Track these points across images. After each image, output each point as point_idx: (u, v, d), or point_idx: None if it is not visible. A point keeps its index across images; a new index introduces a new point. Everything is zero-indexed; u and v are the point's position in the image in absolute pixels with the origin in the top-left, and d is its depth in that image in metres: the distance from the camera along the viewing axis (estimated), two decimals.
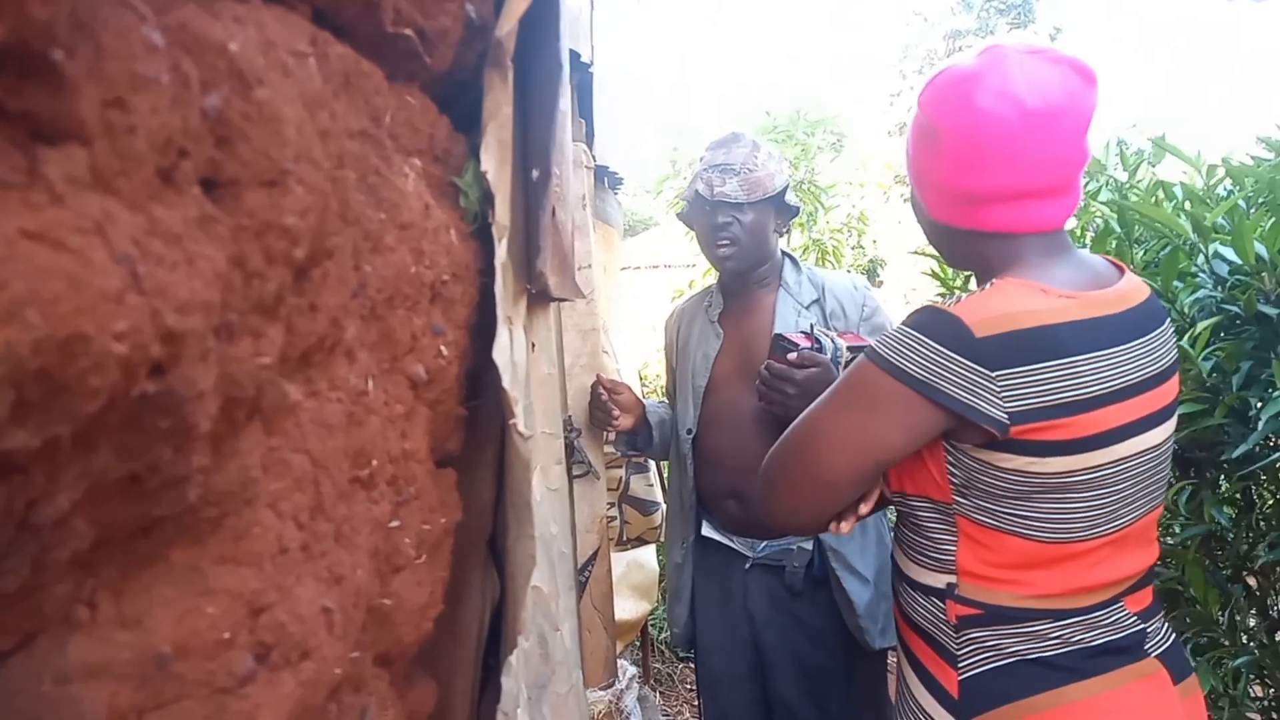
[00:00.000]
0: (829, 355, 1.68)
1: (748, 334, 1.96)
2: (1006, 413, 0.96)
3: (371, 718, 0.64)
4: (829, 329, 1.82)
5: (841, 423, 1.06)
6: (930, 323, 1.00)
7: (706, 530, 1.99)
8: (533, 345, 1.20)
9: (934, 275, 2.53)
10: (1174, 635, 1.13)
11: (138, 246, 0.36)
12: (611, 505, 2.94)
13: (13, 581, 0.37)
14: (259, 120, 0.45)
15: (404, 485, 0.68)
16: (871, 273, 8.02)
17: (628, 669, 3.32)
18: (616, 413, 1.90)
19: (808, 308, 1.95)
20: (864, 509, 1.13)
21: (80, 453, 0.36)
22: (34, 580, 0.38)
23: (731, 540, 1.95)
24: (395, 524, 0.67)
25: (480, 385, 0.94)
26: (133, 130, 0.36)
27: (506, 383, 0.80)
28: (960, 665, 1.06)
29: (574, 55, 2.32)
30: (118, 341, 0.34)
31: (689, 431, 1.94)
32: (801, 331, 1.73)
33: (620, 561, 3.17)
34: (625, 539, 3.05)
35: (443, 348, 0.74)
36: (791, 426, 1.13)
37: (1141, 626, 1.08)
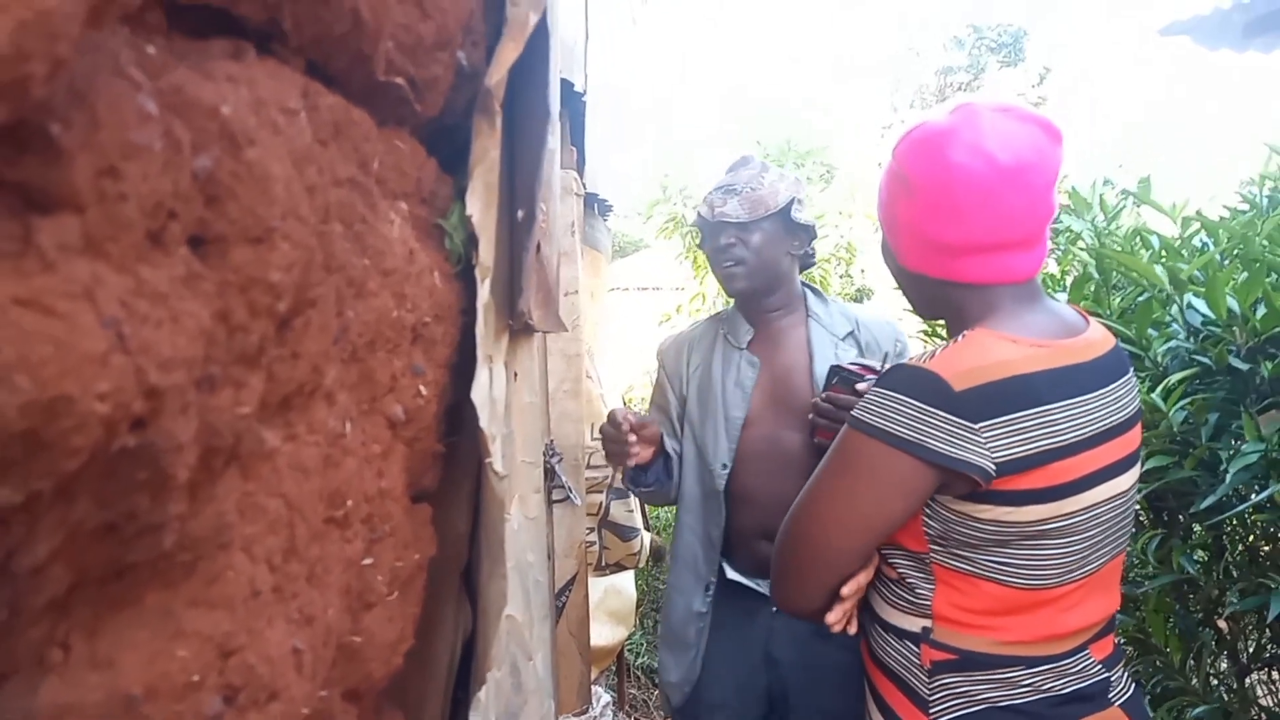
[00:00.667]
0: None
1: (782, 366, 1.88)
2: (994, 463, 0.98)
3: None
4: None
5: (838, 500, 1.07)
6: (908, 381, 1.01)
7: (730, 574, 1.87)
8: (515, 374, 1.21)
9: (911, 311, 2.56)
10: (1134, 684, 1.15)
11: (124, 307, 0.37)
12: (591, 530, 2.95)
13: None
14: (248, 179, 0.46)
15: (379, 523, 0.69)
16: (859, 301, 8.10)
17: (602, 696, 3.31)
18: (636, 447, 1.74)
19: (843, 339, 1.89)
20: (846, 590, 1.13)
21: (59, 503, 0.38)
22: (9, 624, 0.39)
23: (757, 584, 1.84)
24: (368, 561, 0.68)
25: (459, 419, 0.96)
26: (124, 197, 0.37)
27: (484, 422, 0.81)
28: (932, 711, 1.07)
29: (567, 85, 2.36)
30: (101, 401, 0.35)
31: (724, 466, 1.84)
32: (855, 363, 1.68)
33: (598, 587, 3.18)
34: (604, 564, 3.06)
35: (422, 387, 0.75)
36: (790, 511, 1.13)
37: (1106, 675, 1.10)
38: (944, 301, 1.14)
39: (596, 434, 2.96)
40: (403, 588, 0.74)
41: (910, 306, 1.28)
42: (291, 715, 0.53)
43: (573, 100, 2.50)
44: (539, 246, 1.03)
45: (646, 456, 1.81)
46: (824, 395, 1.65)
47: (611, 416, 1.74)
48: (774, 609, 1.80)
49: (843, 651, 1.73)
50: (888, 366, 1.16)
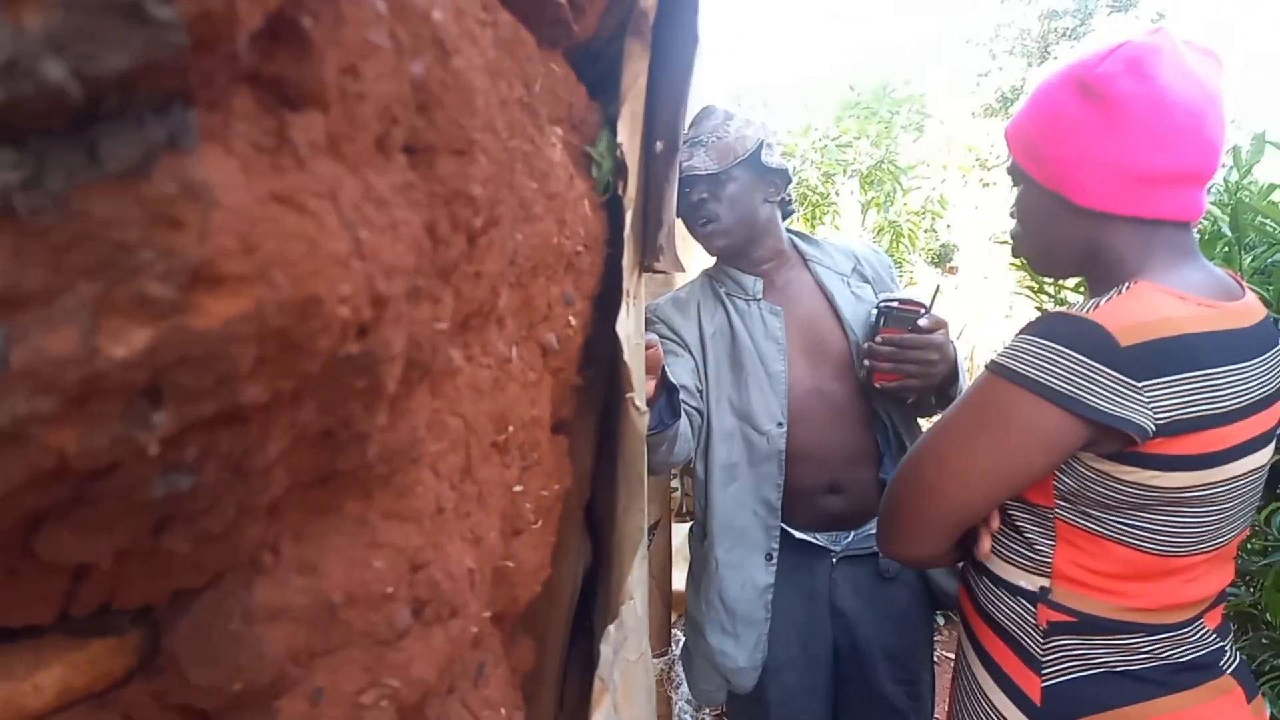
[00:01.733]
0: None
1: (804, 314, 1.78)
2: (1155, 423, 0.93)
3: (487, 673, 0.66)
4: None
5: (974, 450, 1.01)
6: (1068, 332, 0.96)
7: (792, 533, 1.79)
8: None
9: (1018, 266, 2.45)
10: (1240, 655, 1.11)
11: (358, 212, 0.37)
12: (674, 476, 2.96)
13: (219, 524, 0.39)
14: (455, 89, 0.45)
15: (529, 451, 0.69)
16: (944, 257, 7.86)
17: (681, 639, 3.37)
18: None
19: (850, 275, 1.82)
20: (995, 523, 1.10)
21: (293, 406, 0.38)
22: (234, 522, 0.40)
23: (816, 537, 1.78)
24: (519, 488, 0.68)
25: (590, 354, 0.95)
26: (362, 97, 0.37)
27: (626, 356, 0.80)
28: (1045, 672, 1.04)
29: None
30: (343, 304, 0.35)
31: (780, 425, 1.74)
32: (898, 299, 1.61)
33: (678, 533, 3.21)
34: (685, 510, 3.08)
35: (571, 318, 0.74)
36: (909, 459, 1.08)
37: (1220, 644, 1.06)
38: (1099, 249, 1.07)
39: None
40: (545, 516, 0.75)
41: (1042, 262, 1.19)
42: (466, 632, 0.54)
43: None
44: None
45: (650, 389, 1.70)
46: (879, 338, 1.58)
47: None
48: (834, 560, 1.76)
49: (904, 590, 1.74)
50: (1044, 312, 1.08)
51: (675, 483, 2.91)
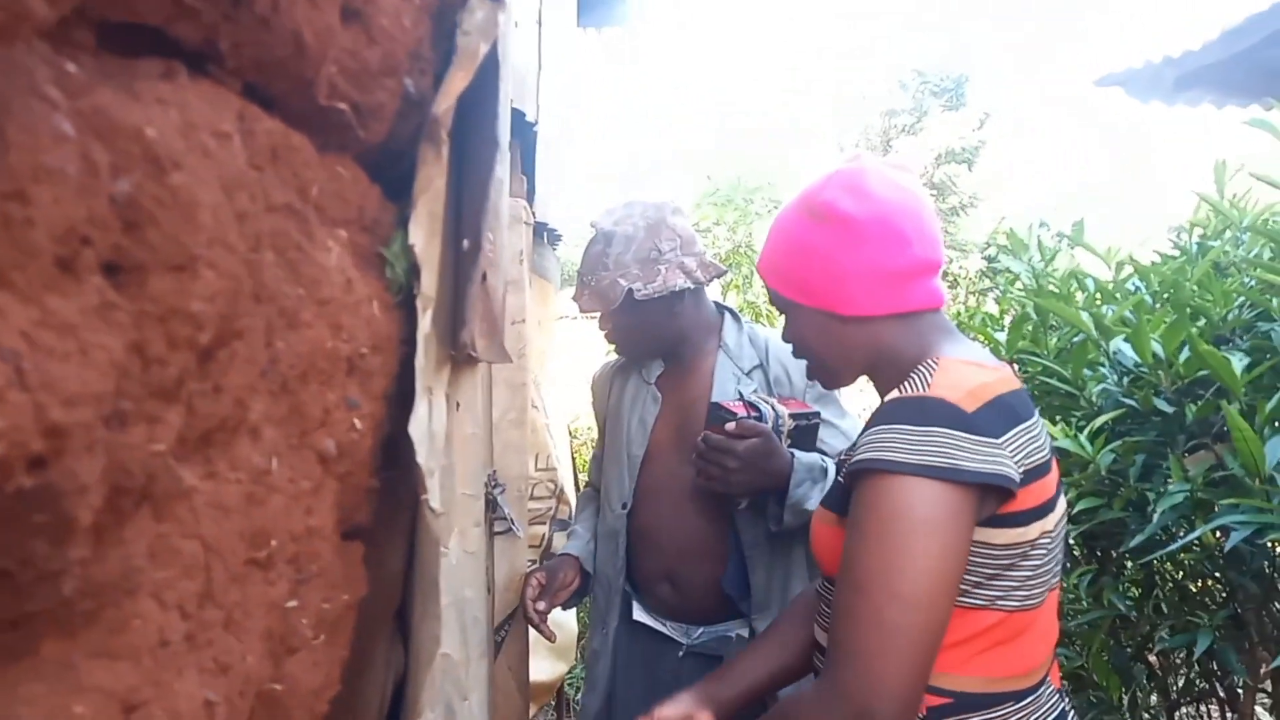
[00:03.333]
0: (769, 424, 1.58)
1: (686, 400, 1.83)
2: (1018, 476, 0.98)
3: None
4: (771, 396, 1.73)
5: (906, 560, 0.93)
6: (920, 411, 0.98)
7: (637, 614, 1.83)
8: (457, 405, 1.18)
9: None
10: (1074, 714, 1.17)
11: (26, 340, 0.35)
12: (533, 563, 2.89)
13: None
14: (172, 205, 0.44)
15: (305, 563, 0.66)
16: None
17: None
18: (544, 607, 1.77)
19: (749, 373, 1.82)
20: None
21: None
22: None
23: (664, 625, 1.79)
24: (293, 604, 0.65)
25: (396, 453, 0.93)
26: (31, 223, 0.35)
27: (421, 457, 0.79)
28: None
29: (518, 114, 2.35)
30: None
31: (624, 506, 1.79)
32: (739, 400, 1.64)
33: None
34: None
35: (356, 421, 0.72)
36: (844, 611, 0.97)
37: (1063, 706, 1.12)
38: (876, 350, 1.16)
39: (540, 465, 2.91)
40: (330, 630, 0.71)
41: (830, 374, 1.23)
42: None
43: (524, 129, 2.49)
44: (485, 275, 1.01)
45: (564, 598, 1.81)
46: (702, 435, 1.60)
47: (532, 582, 1.77)
48: (680, 654, 1.75)
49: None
50: (881, 404, 1.11)
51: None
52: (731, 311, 1.94)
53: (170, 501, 0.48)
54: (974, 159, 10.50)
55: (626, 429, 1.84)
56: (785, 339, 1.25)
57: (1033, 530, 1.02)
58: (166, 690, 0.47)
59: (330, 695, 0.73)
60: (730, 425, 1.56)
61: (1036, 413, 1.11)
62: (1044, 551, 1.05)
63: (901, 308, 1.13)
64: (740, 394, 1.72)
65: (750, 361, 1.85)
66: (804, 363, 1.89)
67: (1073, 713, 1.15)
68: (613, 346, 1.86)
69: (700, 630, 1.77)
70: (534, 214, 2.66)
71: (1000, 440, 0.98)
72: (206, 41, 0.56)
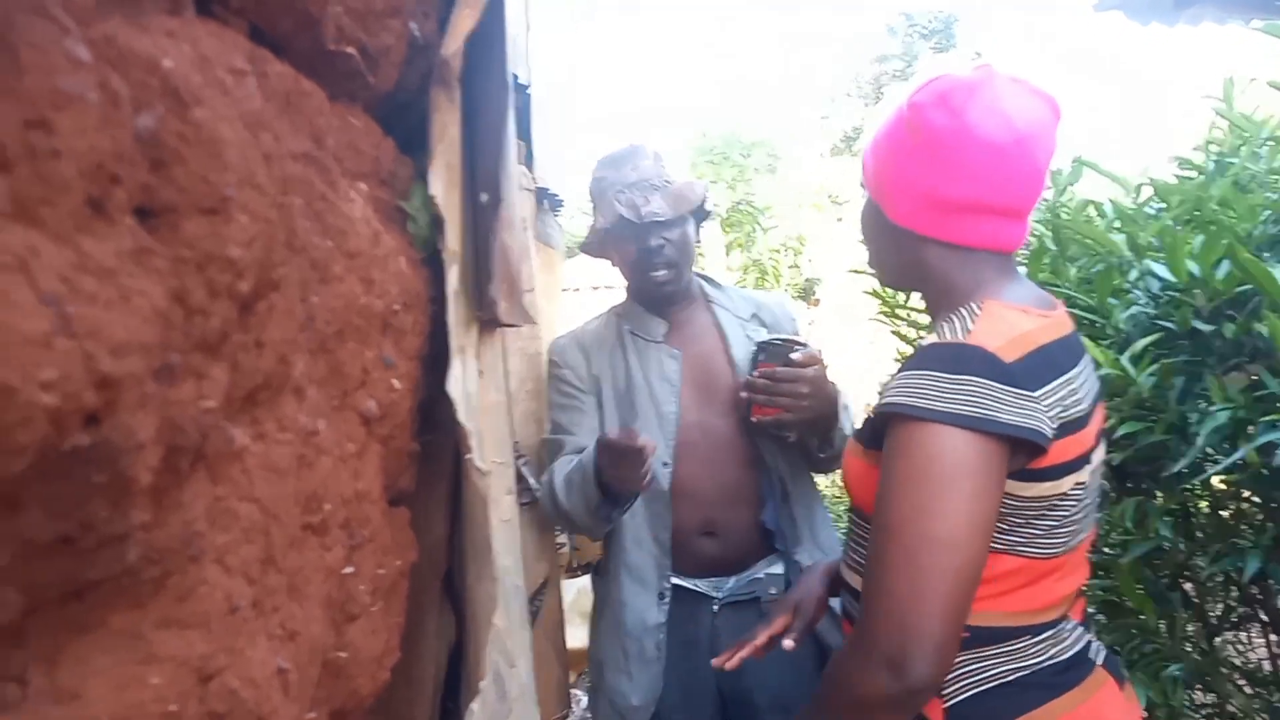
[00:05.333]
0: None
1: (700, 353, 1.82)
2: (1051, 430, 0.95)
3: None
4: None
5: (939, 507, 0.92)
6: (956, 359, 0.96)
7: (673, 579, 1.77)
8: (480, 372, 1.16)
9: (874, 294, 2.56)
10: (1101, 644, 1.15)
11: (66, 284, 0.32)
12: (561, 531, 2.88)
13: None
14: (197, 142, 0.41)
15: (357, 528, 0.64)
16: (808, 290, 8.15)
17: (581, 699, 3.26)
18: (650, 472, 1.50)
19: (748, 320, 1.86)
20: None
21: (6, 513, 0.32)
22: None
23: (696, 583, 1.76)
24: (349, 570, 0.63)
25: (431, 418, 0.90)
26: (57, 154, 0.32)
27: (462, 416, 0.76)
28: (945, 692, 1.04)
29: (513, 77, 2.30)
30: (46, 391, 0.30)
31: (665, 464, 1.73)
32: (778, 338, 1.66)
33: (570, 588, 3.11)
34: (575, 565, 3.00)
35: (394, 381, 0.70)
36: (879, 556, 0.96)
37: (1086, 637, 1.10)
38: (923, 267, 1.11)
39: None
40: (386, 597, 0.69)
41: (879, 272, 1.24)
42: None
43: (518, 94, 2.45)
44: (502, 235, 0.98)
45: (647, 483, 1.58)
46: (756, 372, 1.60)
47: (621, 436, 1.45)
48: (715, 607, 1.72)
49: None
50: (920, 348, 1.07)
51: (563, 538, 2.83)
52: (700, 274, 1.95)
53: (224, 463, 0.45)
54: None
55: (649, 390, 1.81)
56: (860, 220, 1.23)
57: (1064, 484, 0.99)
58: (240, 658, 0.45)
59: (391, 662, 0.72)
60: (796, 355, 1.57)
61: (1084, 359, 1.07)
62: (1074, 503, 1.02)
63: (950, 237, 1.07)
64: (777, 335, 1.72)
65: (747, 310, 1.88)
66: (789, 313, 1.89)
67: (1097, 643, 1.13)
68: (663, 267, 1.72)
69: (731, 580, 1.75)
70: (535, 179, 2.62)
71: (1037, 394, 0.94)
72: None
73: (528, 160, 2.62)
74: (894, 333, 2.66)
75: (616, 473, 1.49)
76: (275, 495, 0.50)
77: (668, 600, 1.72)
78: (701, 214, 1.81)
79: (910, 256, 1.12)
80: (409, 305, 0.73)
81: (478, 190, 0.93)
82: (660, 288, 1.77)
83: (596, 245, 1.86)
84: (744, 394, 1.62)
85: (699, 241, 1.84)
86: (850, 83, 11.92)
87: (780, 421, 1.61)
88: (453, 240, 0.80)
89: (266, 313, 0.49)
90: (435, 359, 0.85)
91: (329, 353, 0.60)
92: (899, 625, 0.92)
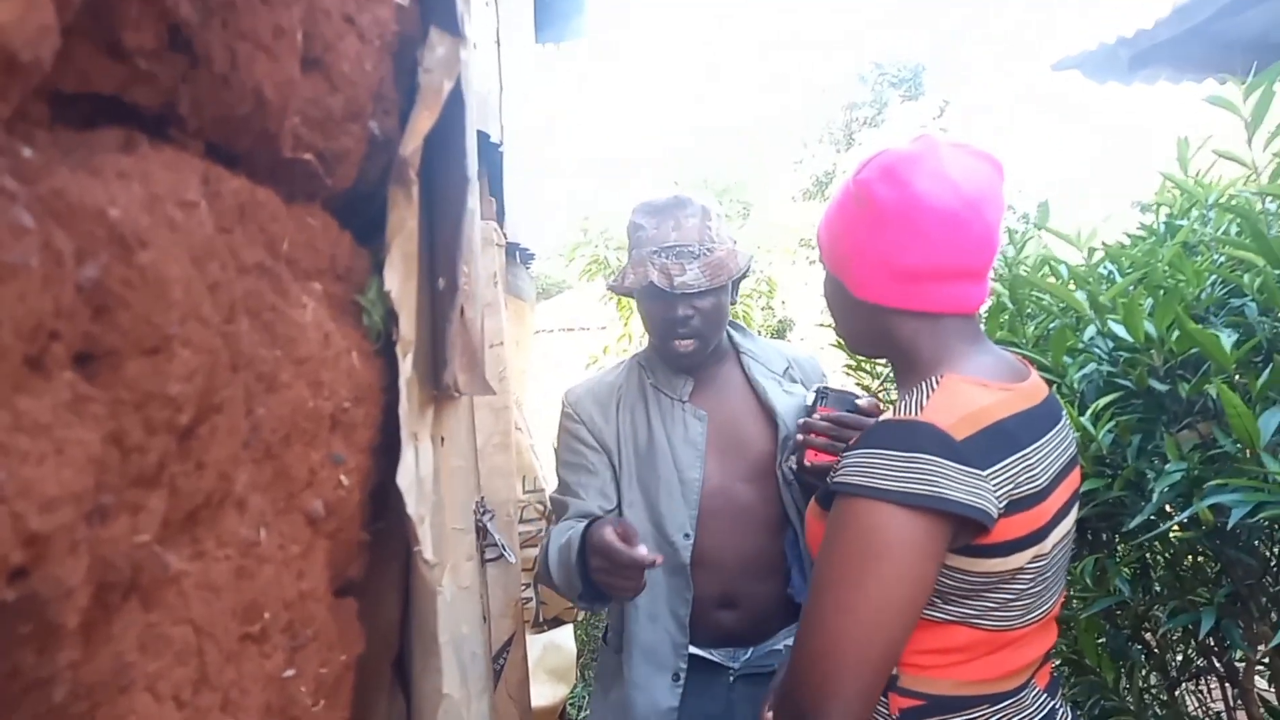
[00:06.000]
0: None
1: (729, 414, 1.70)
2: (997, 509, 0.97)
3: None
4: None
5: (873, 588, 0.95)
6: (908, 436, 0.98)
7: (693, 650, 1.66)
8: (441, 439, 1.17)
9: (839, 346, 2.60)
10: (1069, 708, 1.17)
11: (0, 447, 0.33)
12: (526, 586, 2.87)
13: None
14: (141, 285, 0.42)
15: (300, 628, 0.65)
16: (781, 334, 8.23)
17: None
18: (644, 586, 1.39)
19: (782, 376, 1.77)
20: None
21: None
22: None
23: (712, 654, 1.66)
24: (290, 673, 0.63)
25: (384, 500, 0.91)
26: None
27: (411, 507, 0.77)
28: None
29: (483, 136, 2.34)
30: None
31: (687, 536, 1.62)
32: (835, 389, 1.58)
33: (536, 644, 3.09)
34: (541, 620, 2.98)
35: (343, 477, 0.71)
36: (810, 624, 1.00)
37: (1051, 703, 1.11)
38: (889, 336, 1.13)
39: (528, 487, 2.87)
40: (329, 694, 0.70)
41: (847, 342, 1.26)
42: None
43: (489, 151, 2.48)
44: (462, 310, 1.00)
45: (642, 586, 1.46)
46: (818, 415, 1.51)
47: (612, 539, 1.35)
48: (731, 678, 1.64)
49: None
50: (875, 424, 1.06)
51: (529, 593, 2.82)
52: (734, 323, 1.82)
53: (158, 589, 0.46)
54: None
55: (672, 455, 1.66)
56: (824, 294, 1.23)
57: (1016, 560, 1.01)
58: None
59: None
60: (861, 402, 1.52)
61: (1054, 430, 1.08)
62: (1032, 576, 1.04)
63: (914, 305, 1.09)
64: (791, 393, 1.66)
65: (780, 365, 1.79)
66: (817, 367, 1.86)
67: (1065, 709, 1.15)
68: (688, 338, 1.61)
69: (749, 651, 1.67)
70: (505, 235, 2.65)
71: (985, 472, 0.97)
72: (166, 105, 0.54)
73: (499, 215, 2.65)
74: (859, 385, 2.70)
75: (607, 578, 1.38)
76: (211, 614, 0.51)
77: (682, 681, 1.61)
78: (739, 283, 1.72)
79: (877, 327, 1.14)
80: (360, 399, 0.74)
81: (436, 275, 0.95)
82: (680, 359, 1.66)
83: (622, 290, 1.70)
84: (799, 435, 1.53)
85: (734, 302, 1.74)
86: (822, 128, 12.18)
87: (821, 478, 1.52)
88: (407, 329, 0.81)
89: (208, 435, 0.50)
90: (390, 445, 0.86)
91: (275, 458, 0.61)
92: (815, 687, 0.97)
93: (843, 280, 1.15)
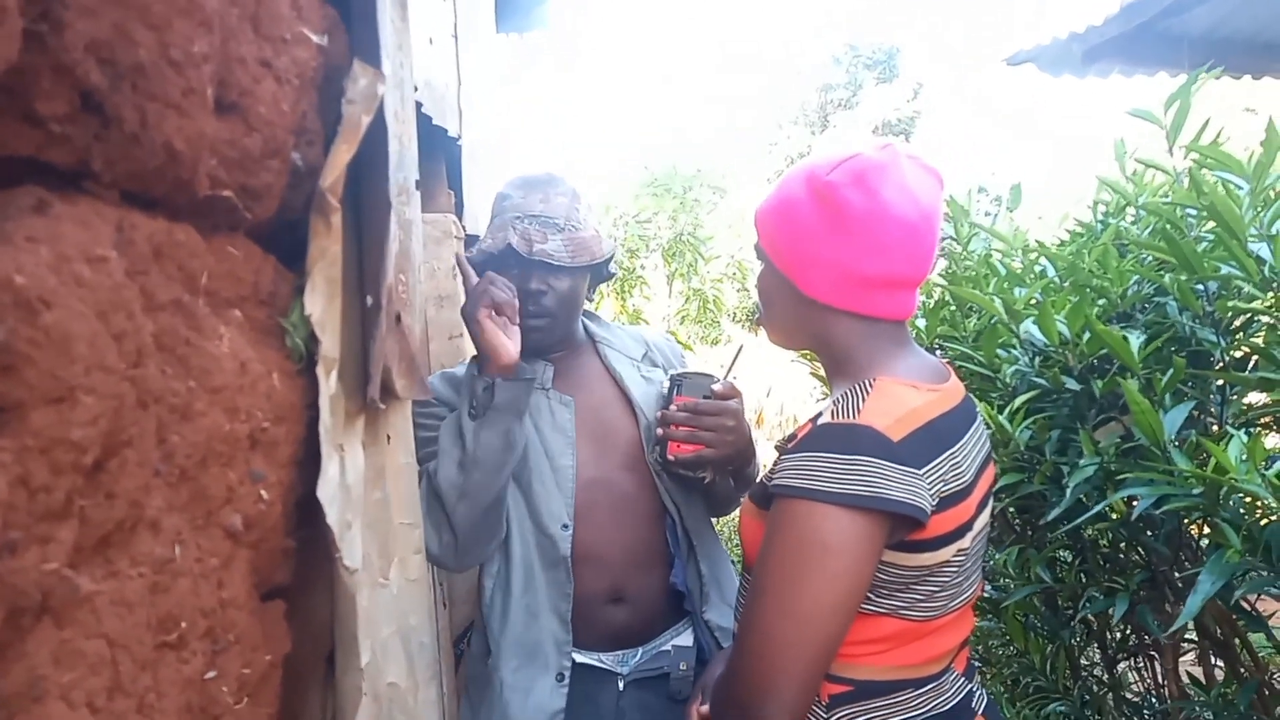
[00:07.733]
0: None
1: (594, 401, 1.67)
2: (930, 506, 1.03)
3: None
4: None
5: (810, 587, 0.99)
6: (845, 439, 1.02)
7: (576, 656, 1.59)
8: (388, 437, 1.22)
9: None
10: (985, 691, 1.25)
11: None
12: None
13: None
14: (47, 344, 0.48)
15: (221, 634, 0.70)
16: (754, 316, 8.34)
17: None
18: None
19: (641, 361, 1.76)
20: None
21: None
22: None
23: (601, 659, 1.59)
24: (212, 675, 0.69)
25: (315, 508, 0.97)
26: None
27: (331, 518, 0.83)
28: None
29: (441, 130, 2.38)
30: None
31: (565, 526, 1.57)
32: (692, 371, 1.59)
33: None
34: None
35: (263, 491, 0.76)
36: (745, 624, 1.03)
37: (969, 686, 1.19)
38: (827, 335, 1.18)
39: None
40: (253, 691, 0.75)
41: (774, 333, 1.28)
42: None
43: (447, 145, 2.52)
44: (399, 318, 1.05)
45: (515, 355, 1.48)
46: (675, 405, 1.53)
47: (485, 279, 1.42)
48: (621, 685, 1.59)
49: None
50: (813, 429, 1.10)
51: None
52: (586, 314, 1.80)
53: (70, 608, 0.52)
54: (911, 130, 10.72)
55: (540, 441, 1.62)
56: (755, 288, 1.26)
57: (944, 553, 1.08)
58: None
59: None
60: (717, 387, 1.52)
61: (973, 426, 1.15)
62: (955, 569, 1.11)
63: (861, 309, 1.14)
64: (690, 369, 1.66)
65: (637, 350, 1.79)
66: (676, 350, 1.87)
67: (980, 692, 1.23)
68: (537, 316, 1.60)
69: (638, 653, 1.63)
70: (464, 227, 2.69)
71: (921, 471, 1.02)
72: (81, 162, 0.59)
73: (458, 208, 2.69)
74: (813, 374, 2.77)
75: (485, 295, 1.43)
76: (124, 627, 0.56)
77: (567, 681, 1.54)
78: (602, 273, 1.71)
79: (816, 325, 1.19)
80: (280, 418, 0.80)
81: (365, 293, 1.00)
82: (527, 334, 1.58)
83: (479, 267, 1.61)
84: (659, 430, 1.53)
85: (590, 300, 1.73)
86: (797, 111, 12.23)
87: (701, 458, 1.53)
88: (329, 348, 0.86)
89: (118, 468, 0.55)
90: (318, 456, 0.91)
91: (191, 480, 0.66)
92: (755, 684, 1.01)
93: (790, 276, 1.17)
